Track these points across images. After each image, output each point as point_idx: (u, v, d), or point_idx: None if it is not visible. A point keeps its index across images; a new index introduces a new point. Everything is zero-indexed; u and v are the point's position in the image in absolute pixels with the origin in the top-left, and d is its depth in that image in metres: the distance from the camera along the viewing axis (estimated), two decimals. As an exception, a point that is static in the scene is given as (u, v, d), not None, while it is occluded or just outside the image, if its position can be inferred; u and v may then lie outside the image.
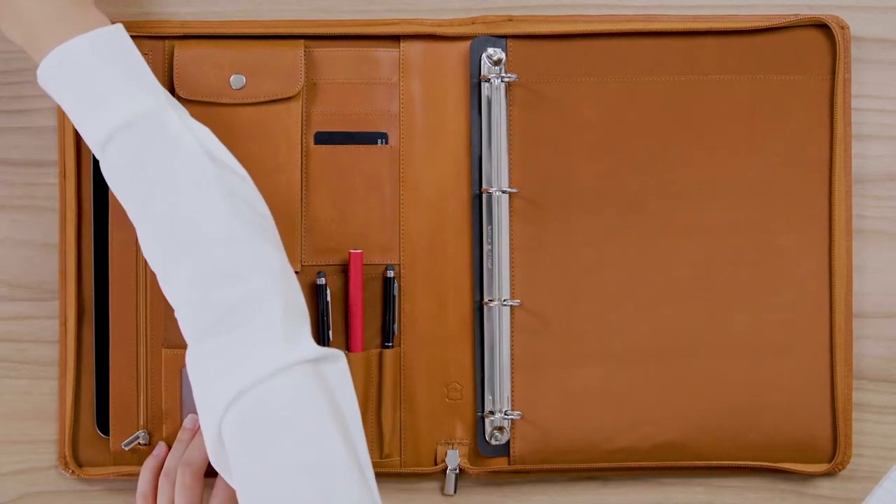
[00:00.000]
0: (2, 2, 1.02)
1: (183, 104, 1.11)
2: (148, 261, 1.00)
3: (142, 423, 1.14)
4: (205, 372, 0.96)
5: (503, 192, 1.14)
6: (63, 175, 1.14)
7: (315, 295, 1.13)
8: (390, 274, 1.14)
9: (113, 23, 1.04)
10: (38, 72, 1.01)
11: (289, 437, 0.93)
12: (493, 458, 1.15)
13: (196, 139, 0.99)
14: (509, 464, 1.15)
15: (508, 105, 1.14)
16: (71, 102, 1.00)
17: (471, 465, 1.15)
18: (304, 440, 0.93)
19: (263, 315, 0.96)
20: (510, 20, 1.15)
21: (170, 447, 1.14)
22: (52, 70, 1.00)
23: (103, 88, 0.99)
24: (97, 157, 1.00)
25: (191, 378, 0.97)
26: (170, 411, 1.14)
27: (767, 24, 1.14)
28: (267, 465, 0.93)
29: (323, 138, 1.14)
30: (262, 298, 0.96)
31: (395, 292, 1.15)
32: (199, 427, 1.12)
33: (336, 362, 0.98)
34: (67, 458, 1.14)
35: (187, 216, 0.97)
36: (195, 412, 1.11)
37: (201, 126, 1.02)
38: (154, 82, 1.01)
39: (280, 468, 0.92)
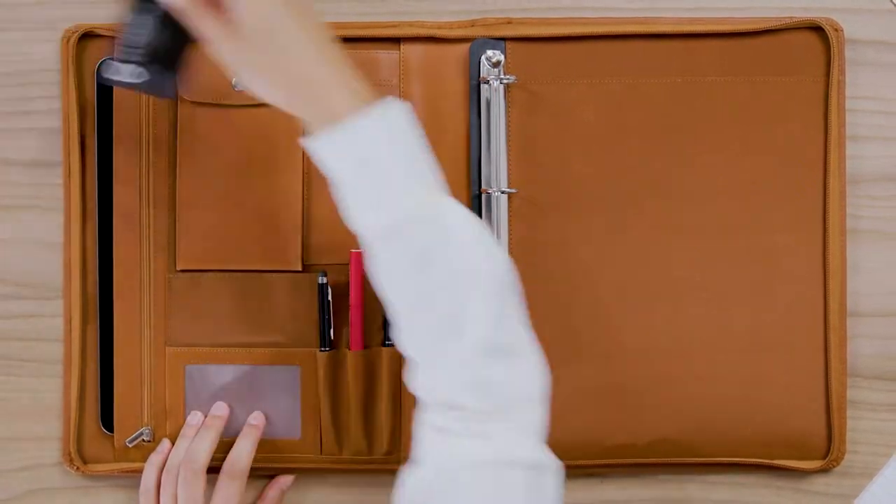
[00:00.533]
0: (263, 62, 0.94)
1: (186, 105, 1.14)
2: (404, 346, 0.96)
3: (145, 420, 1.15)
4: (440, 428, 0.94)
5: (502, 192, 1.14)
6: (68, 176, 1.15)
7: (316, 294, 1.14)
8: None
9: None
10: (314, 142, 0.94)
11: None
12: None
13: (473, 236, 0.94)
14: None
15: (507, 106, 1.15)
16: (345, 180, 0.94)
17: None
18: None
19: (513, 418, 0.94)
20: (509, 23, 1.15)
21: (174, 444, 1.14)
22: (335, 142, 0.93)
23: (387, 175, 0.93)
24: (363, 241, 0.95)
25: (424, 426, 0.95)
26: (173, 408, 1.15)
27: (763, 26, 1.15)
28: None
29: None
30: (529, 403, 0.95)
31: None
32: (202, 423, 1.14)
33: (557, 475, 0.95)
34: (72, 455, 1.15)
35: (460, 318, 0.93)
36: (198, 409, 1.15)
37: (471, 217, 0.95)
38: (433, 167, 0.95)
39: None
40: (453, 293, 0.93)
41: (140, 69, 0.98)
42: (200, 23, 0.95)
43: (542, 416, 0.96)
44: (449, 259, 0.93)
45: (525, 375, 0.95)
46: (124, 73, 0.99)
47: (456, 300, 0.93)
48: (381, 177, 0.93)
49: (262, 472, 1.16)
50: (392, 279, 0.95)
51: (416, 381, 0.96)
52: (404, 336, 0.95)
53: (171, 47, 0.99)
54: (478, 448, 0.92)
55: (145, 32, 0.98)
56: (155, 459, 1.13)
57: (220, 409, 1.15)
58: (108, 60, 1.13)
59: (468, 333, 0.93)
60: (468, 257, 0.94)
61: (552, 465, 0.94)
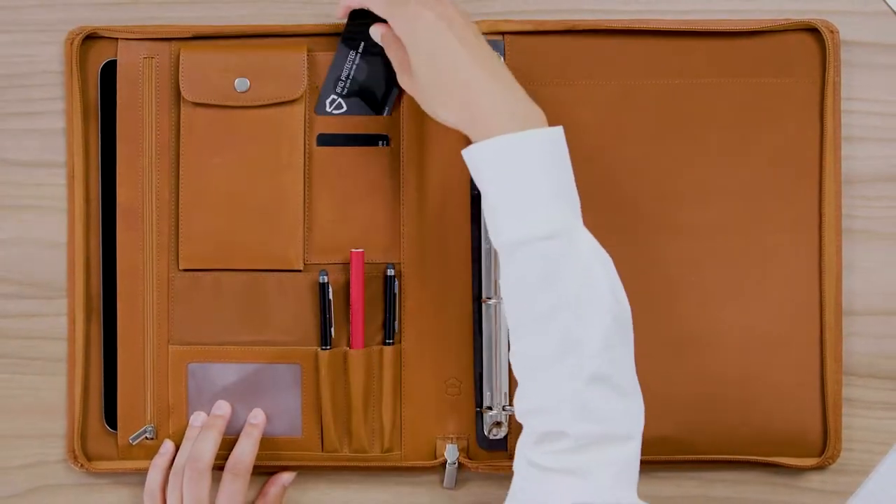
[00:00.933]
0: (430, 88, 1.02)
1: (189, 106, 1.14)
2: (516, 364, 1.00)
3: (148, 418, 1.15)
4: (537, 465, 0.97)
5: None
6: (71, 176, 1.15)
7: (317, 293, 1.14)
8: (391, 272, 1.15)
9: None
10: (472, 150, 0.99)
11: None
12: (491, 452, 1.16)
13: (602, 269, 0.98)
14: (507, 458, 1.16)
15: None
16: (494, 192, 0.99)
17: (470, 459, 1.16)
18: None
19: (609, 456, 0.96)
20: (507, 24, 1.15)
21: (177, 444, 1.15)
22: (492, 154, 0.98)
23: (534, 192, 0.98)
24: (499, 251, 1.00)
25: (522, 461, 0.98)
26: (176, 406, 1.15)
27: (758, 28, 1.15)
28: None
29: (325, 140, 1.15)
30: (614, 444, 0.96)
31: (396, 290, 1.15)
32: (206, 423, 1.15)
33: None
34: (76, 452, 1.15)
35: (573, 341, 0.96)
36: (200, 407, 1.15)
37: (602, 251, 1.00)
38: (575, 196, 1.00)
39: None
40: (573, 315, 0.96)
41: (339, 100, 1.13)
42: (389, 55, 1.07)
43: (637, 458, 0.98)
44: (576, 282, 0.97)
45: (626, 413, 0.98)
46: (330, 106, 1.13)
47: (574, 322, 0.96)
48: (529, 192, 0.98)
49: (264, 470, 1.16)
50: (519, 291, 0.99)
51: (521, 402, 1.00)
52: (517, 354, 1.00)
53: (369, 80, 1.14)
54: (575, 488, 0.95)
55: (346, 67, 1.13)
56: (159, 462, 1.14)
57: (222, 409, 1.15)
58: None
59: (579, 356, 0.96)
60: (594, 284, 0.97)
61: None
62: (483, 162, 0.99)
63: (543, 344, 0.97)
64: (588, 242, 0.99)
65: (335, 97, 1.14)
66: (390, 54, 1.07)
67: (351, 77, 1.14)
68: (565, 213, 0.99)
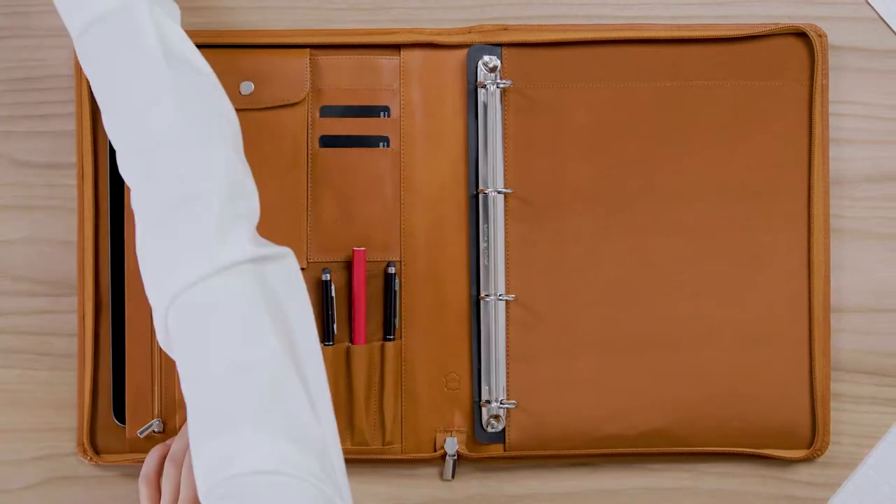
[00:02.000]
0: None
1: None
2: (111, 140, 0.99)
3: (156, 412, 1.16)
4: (150, 269, 0.95)
5: (498, 192, 1.15)
6: (81, 176, 1.15)
7: (320, 290, 1.15)
8: (392, 270, 1.16)
9: None
10: None
11: (218, 337, 0.91)
12: (489, 445, 1.17)
13: (157, 35, 0.96)
14: (505, 450, 1.16)
15: (503, 110, 1.16)
16: None
17: (468, 451, 1.17)
18: (232, 341, 0.91)
19: (199, 219, 0.93)
20: (505, 30, 1.16)
21: None
22: None
23: None
24: (76, 47, 0.99)
25: (141, 269, 0.96)
26: (182, 401, 1.10)
27: (749, 32, 1.15)
28: (202, 365, 0.91)
29: (328, 142, 1.16)
30: (198, 202, 0.94)
31: (397, 288, 1.16)
32: None
33: (281, 261, 0.95)
34: (86, 446, 1.16)
35: (140, 115, 0.96)
36: None
37: (167, 18, 0.99)
38: None
39: (213, 369, 0.91)
40: (125, 98, 0.96)
41: None
42: None
43: (225, 206, 0.95)
44: (133, 56, 0.96)
45: (213, 163, 0.96)
46: None
47: (136, 88, 0.96)
48: None
49: None
50: (88, 75, 0.99)
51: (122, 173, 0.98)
52: (106, 127, 0.99)
53: None
54: (195, 266, 0.93)
55: None
56: (160, 450, 1.14)
57: None
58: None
59: (151, 118, 0.95)
60: (146, 50, 0.96)
61: (277, 254, 0.96)
62: None
63: (116, 125, 0.98)
64: (146, 14, 0.97)
65: None
66: None
67: None
68: None
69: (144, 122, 0.96)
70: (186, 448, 1.11)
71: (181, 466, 1.11)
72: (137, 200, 0.96)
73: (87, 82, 1.14)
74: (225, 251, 0.93)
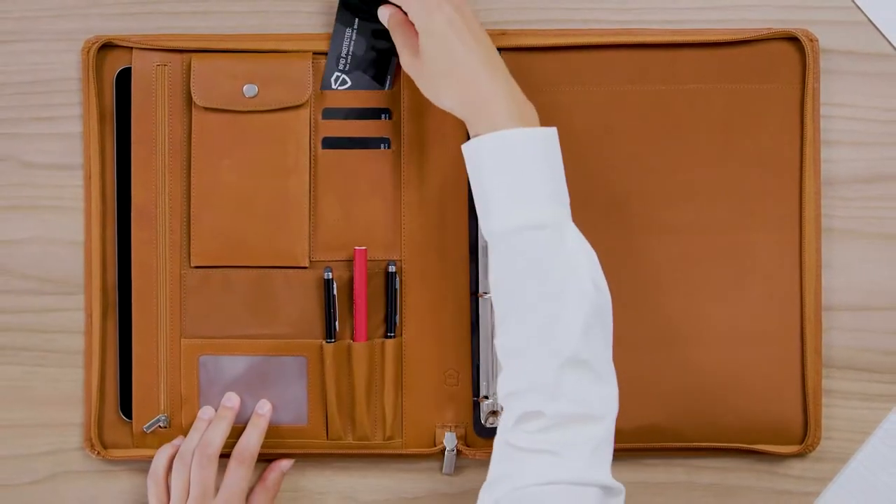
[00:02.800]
0: (438, 77, 1.05)
1: (200, 111, 1.15)
2: (499, 348, 1.03)
3: (162, 407, 1.17)
4: (515, 445, 0.99)
5: None
6: (88, 177, 1.17)
7: (322, 289, 1.16)
8: (392, 269, 1.17)
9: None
10: (471, 144, 1.03)
11: None
12: (488, 440, 1.17)
13: (586, 261, 1.01)
14: None
15: None
16: (492, 183, 1.02)
17: (467, 446, 1.18)
18: None
19: (584, 436, 0.98)
20: (503, 34, 1.16)
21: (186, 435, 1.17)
22: (490, 148, 1.02)
23: (530, 185, 1.01)
24: (489, 239, 1.03)
25: (497, 447, 1.01)
26: (188, 397, 1.17)
27: (742, 37, 1.16)
28: None
29: (330, 143, 1.17)
30: (588, 425, 0.99)
31: (397, 286, 1.17)
32: (215, 414, 1.16)
33: (619, 497, 1.00)
34: (93, 441, 1.17)
35: (554, 327, 0.99)
36: (212, 397, 1.17)
37: (587, 244, 1.03)
38: (565, 192, 1.03)
39: None
40: (556, 303, 1.00)
41: (343, 76, 1.14)
42: (394, 36, 1.10)
43: (610, 439, 1.00)
44: (561, 272, 1.00)
45: (601, 396, 1.01)
46: (335, 83, 1.14)
47: (556, 310, 0.99)
48: (524, 185, 1.01)
49: (272, 457, 1.18)
50: (507, 280, 1.02)
51: (503, 386, 1.02)
52: (502, 341, 1.03)
53: (369, 54, 1.16)
54: (551, 466, 0.97)
55: (345, 44, 1.14)
56: (168, 450, 1.15)
57: (231, 400, 1.16)
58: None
59: (557, 340, 0.99)
60: (578, 274, 1.00)
61: (621, 491, 0.99)
62: (484, 154, 1.02)
63: (526, 330, 1.00)
64: (574, 236, 1.02)
65: (339, 74, 1.16)
66: (396, 36, 1.09)
67: (351, 53, 1.15)
68: (555, 206, 1.02)
69: (553, 336, 1.00)
70: (196, 447, 1.13)
71: (190, 465, 1.13)
72: (521, 392, 1.00)
73: (95, 85, 1.16)
74: (593, 470, 0.98)
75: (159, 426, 1.18)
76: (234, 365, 1.18)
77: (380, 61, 1.17)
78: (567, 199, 1.03)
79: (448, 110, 1.06)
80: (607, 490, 0.98)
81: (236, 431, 1.16)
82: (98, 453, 1.18)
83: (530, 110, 1.04)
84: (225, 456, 1.15)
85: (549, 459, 0.97)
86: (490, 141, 1.02)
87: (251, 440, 1.15)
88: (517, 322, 1.01)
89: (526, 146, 1.02)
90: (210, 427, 1.15)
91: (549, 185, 1.02)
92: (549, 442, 0.98)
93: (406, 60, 1.08)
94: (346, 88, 1.17)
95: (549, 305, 1.00)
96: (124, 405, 1.18)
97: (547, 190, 1.02)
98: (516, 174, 1.01)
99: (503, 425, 1.01)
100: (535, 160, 1.02)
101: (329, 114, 1.17)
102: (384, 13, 1.12)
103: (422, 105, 1.17)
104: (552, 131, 1.03)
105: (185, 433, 1.18)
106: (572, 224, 1.03)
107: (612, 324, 1.03)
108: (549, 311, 1.00)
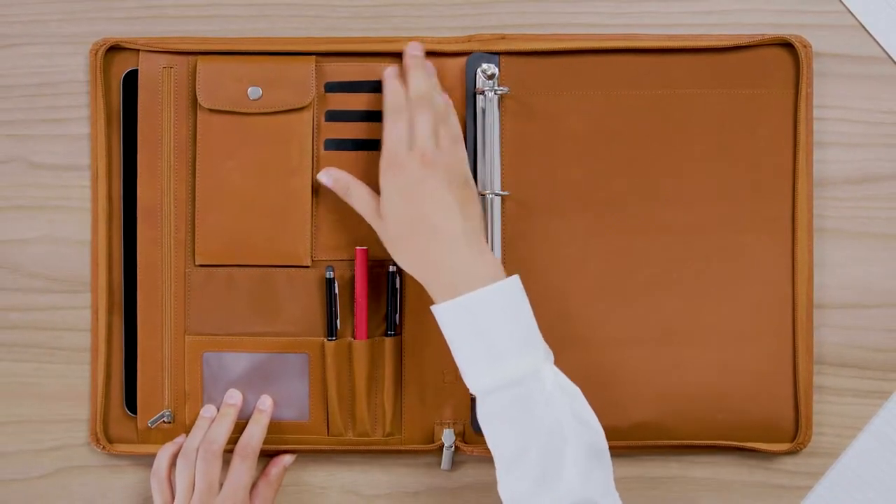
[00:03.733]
0: (410, 245, 1.08)
1: (205, 113, 1.15)
2: (503, 493, 1.04)
3: (166, 403, 1.18)
4: None
5: (496, 194, 1.16)
6: (95, 178, 1.17)
7: (324, 288, 1.17)
8: (393, 269, 1.17)
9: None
10: (439, 310, 1.05)
11: None
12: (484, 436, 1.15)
13: (570, 401, 1.03)
14: None
15: (501, 115, 1.17)
16: (465, 344, 1.05)
17: (465, 443, 1.18)
18: None
19: None
20: (503, 38, 1.17)
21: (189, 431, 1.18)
22: (451, 315, 1.05)
23: (500, 344, 1.03)
24: (476, 398, 1.05)
25: None
26: (191, 393, 1.18)
27: (737, 42, 1.17)
28: None
29: (332, 145, 1.17)
30: None
31: (398, 285, 1.18)
32: (218, 412, 1.17)
33: None
34: (99, 436, 1.18)
35: (551, 477, 1.01)
36: (215, 394, 1.17)
37: (569, 383, 1.05)
38: (537, 336, 1.05)
39: None
40: (546, 451, 1.01)
41: None
42: (352, 197, 1.13)
43: None
44: (544, 420, 1.02)
45: None
46: None
47: (547, 459, 1.01)
48: (494, 344, 1.04)
49: (273, 452, 1.18)
50: (494, 432, 1.05)
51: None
52: (502, 485, 1.04)
53: None
54: None
55: None
56: (170, 449, 1.16)
57: (234, 398, 1.17)
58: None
59: (558, 491, 1.00)
60: (561, 419, 1.02)
61: None
62: (449, 320, 1.05)
63: (522, 480, 1.02)
64: (553, 380, 1.03)
65: None
66: (356, 199, 1.13)
67: None
68: (529, 357, 1.04)
69: (550, 476, 1.01)
70: (200, 443, 1.14)
71: (194, 462, 1.13)
72: None
73: (102, 87, 1.17)
74: None
75: (163, 422, 1.18)
76: (237, 362, 1.18)
77: None
78: (539, 343, 1.05)
79: (407, 272, 1.09)
80: None
81: (239, 427, 1.17)
82: (103, 448, 1.18)
83: (494, 267, 1.06)
84: (228, 452, 1.16)
85: None
86: (450, 309, 1.05)
87: (254, 436, 1.16)
88: (512, 473, 1.03)
89: (485, 306, 1.04)
90: (214, 424, 1.16)
91: (518, 336, 1.04)
92: None
93: (370, 216, 1.12)
94: None
95: (537, 455, 1.02)
96: (129, 401, 1.19)
97: (515, 343, 1.04)
98: (484, 335, 1.04)
99: None
100: (497, 317, 1.04)
101: (332, 116, 1.18)
102: (327, 176, 1.15)
103: (422, 107, 1.18)
104: (512, 281, 1.05)
105: (188, 429, 1.18)
106: (550, 367, 1.05)
107: (609, 457, 1.04)
108: (540, 461, 1.01)
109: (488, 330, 1.04)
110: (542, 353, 1.05)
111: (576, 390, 1.05)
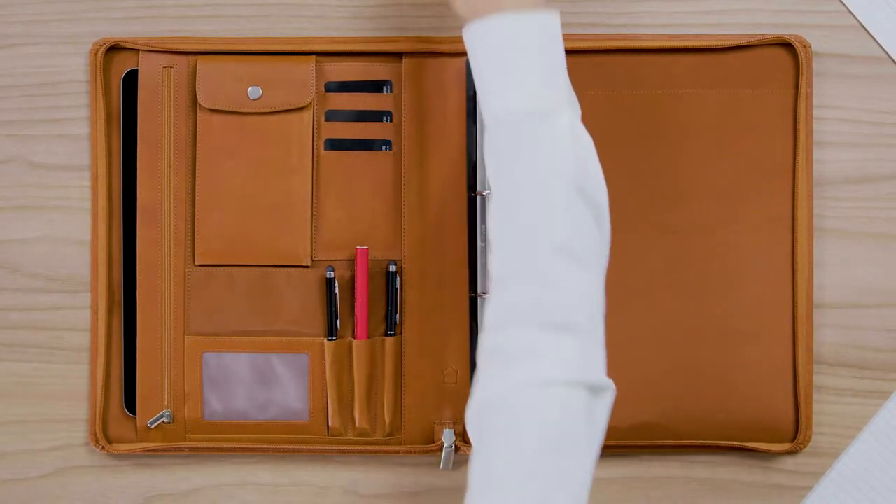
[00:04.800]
0: None
1: (205, 113, 1.16)
2: (488, 227, 0.98)
3: (166, 403, 1.18)
4: (496, 352, 0.93)
5: None
6: (95, 178, 1.17)
7: (324, 287, 1.17)
8: (393, 269, 1.17)
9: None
10: (469, 28, 0.99)
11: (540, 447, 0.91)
12: None
13: (573, 154, 0.96)
14: None
15: None
16: (488, 67, 0.99)
17: (465, 443, 1.18)
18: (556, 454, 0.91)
19: (570, 334, 0.92)
20: None
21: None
22: (486, 32, 0.98)
23: (525, 71, 0.97)
24: (487, 125, 0.98)
25: (480, 354, 0.95)
26: (191, 393, 1.17)
27: (737, 42, 1.17)
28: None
29: (332, 145, 1.18)
30: (573, 319, 0.93)
31: (398, 285, 1.18)
32: None
33: (612, 398, 0.95)
34: (98, 436, 1.17)
35: (530, 218, 0.95)
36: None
37: (586, 135, 0.98)
38: (565, 79, 0.99)
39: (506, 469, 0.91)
40: (542, 191, 0.95)
41: None
42: None
43: (602, 336, 0.95)
44: (546, 157, 0.96)
45: (592, 289, 0.95)
46: None
47: (542, 199, 0.95)
48: (520, 69, 0.98)
49: (273, 453, 1.18)
50: (496, 163, 0.98)
51: (493, 298, 0.95)
52: (494, 242, 0.97)
53: None
54: (544, 367, 0.91)
55: None
56: None
57: None
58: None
59: (547, 230, 0.94)
60: (566, 164, 0.95)
61: (611, 388, 0.94)
62: (478, 38, 0.99)
63: (513, 217, 0.96)
64: (568, 123, 0.97)
65: None
66: None
67: None
68: (549, 92, 0.98)
69: (534, 228, 0.95)
70: None
71: None
72: (503, 289, 0.95)
73: (102, 87, 1.17)
74: (602, 372, 0.94)
75: (163, 422, 1.18)
76: (237, 361, 1.18)
77: None
78: (566, 87, 0.99)
79: (456, 9, 1.03)
80: (599, 389, 0.93)
81: (236, 426, 1.18)
82: (103, 448, 1.18)
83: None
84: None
85: (542, 361, 0.92)
86: (488, 24, 0.98)
87: None
88: (505, 212, 0.97)
89: (523, 30, 0.98)
90: None
91: (545, 71, 0.98)
92: (542, 338, 0.92)
93: None
94: None
95: (536, 193, 0.95)
96: (129, 401, 1.19)
97: (541, 76, 0.98)
98: (512, 58, 0.98)
99: (487, 340, 0.95)
100: (532, 45, 0.98)
101: (332, 116, 1.19)
102: None
103: (423, 108, 1.19)
104: (552, 17, 0.99)
105: (187, 429, 1.18)
106: (569, 111, 0.98)
107: (603, 212, 0.98)
108: (538, 198, 0.95)
109: (520, 53, 0.98)
110: (563, 97, 0.98)
111: (587, 141, 0.98)
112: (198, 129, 1.18)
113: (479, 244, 1.19)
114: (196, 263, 1.18)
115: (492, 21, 0.98)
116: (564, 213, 0.95)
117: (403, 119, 1.19)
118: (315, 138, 1.18)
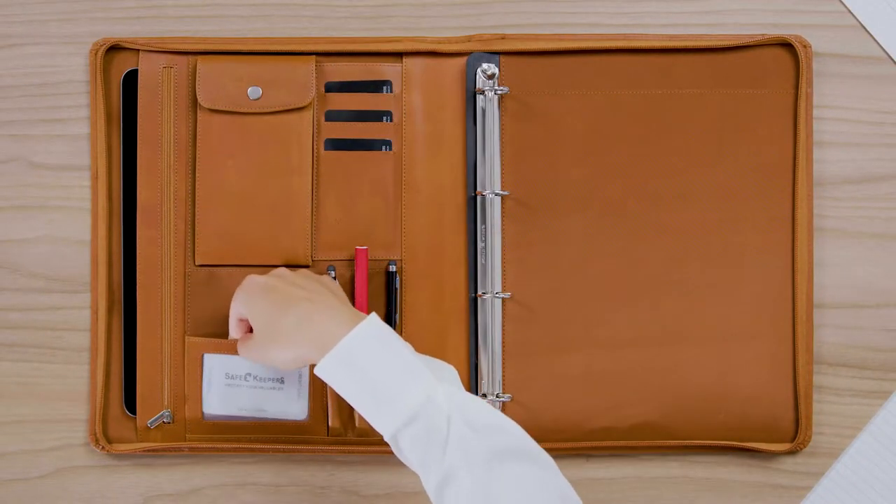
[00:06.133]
0: (283, 329, 1.05)
1: (205, 113, 1.16)
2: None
3: (165, 403, 1.18)
4: None
5: (496, 194, 1.17)
6: (95, 178, 1.18)
7: None
8: (393, 268, 1.18)
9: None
10: (321, 367, 1.02)
11: None
12: None
13: (461, 416, 0.99)
14: None
15: (501, 115, 1.18)
16: (354, 395, 1.02)
17: None
18: None
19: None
20: (503, 38, 1.18)
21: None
22: (329, 371, 1.02)
23: (382, 385, 1.00)
24: (389, 442, 1.01)
25: None
26: (191, 393, 1.17)
27: (737, 42, 1.18)
28: None
29: (332, 145, 1.18)
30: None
31: (398, 285, 1.18)
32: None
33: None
34: (98, 436, 1.17)
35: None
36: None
37: (459, 394, 1.02)
38: (417, 362, 1.01)
39: None
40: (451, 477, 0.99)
41: None
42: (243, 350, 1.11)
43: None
44: (440, 447, 0.99)
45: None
46: None
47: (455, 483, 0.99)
48: (377, 387, 1.01)
49: (274, 452, 1.18)
50: (411, 462, 1.02)
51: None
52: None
53: None
54: None
55: None
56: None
57: None
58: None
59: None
60: (465, 436, 0.99)
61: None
62: (333, 374, 1.02)
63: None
64: (445, 401, 1.00)
65: None
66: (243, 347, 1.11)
67: None
68: (414, 390, 1.00)
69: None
70: None
71: None
72: None
73: (102, 87, 1.18)
74: None
75: (163, 422, 1.18)
76: (237, 362, 1.18)
77: None
78: (423, 371, 1.01)
79: (291, 365, 1.06)
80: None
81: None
82: (103, 448, 1.18)
83: (357, 315, 1.05)
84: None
85: None
86: (324, 364, 1.02)
87: None
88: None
89: (361, 345, 1.02)
90: None
91: (398, 373, 1.01)
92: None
93: (242, 350, 1.11)
94: None
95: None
96: (129, 401, 1.19)
97: (397, 381, 1.01)
98: (363, 381, 1.01)
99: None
100: (371, 359, 1.02)
101: (331, 116, 1.19)
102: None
103: (423, 108, 1.19)
104: (370, 320, 1.03)
105: (187, 429, 1.18)
106: (441, 387, 1.01)
107: (521, 442, 1.02)
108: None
109: (366, 373, 1.01)
110: (429, 379, 1.01)
111: (467, 400, 1.01)
112: (198, 129, 1.18)
113: (479, 244, 1.19)
114: (196, 263, 1.19)
115: (328, 360, 1.02)
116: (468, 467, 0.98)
117: (403, 119, 1.19)
118: (315, 138, 1.18)
